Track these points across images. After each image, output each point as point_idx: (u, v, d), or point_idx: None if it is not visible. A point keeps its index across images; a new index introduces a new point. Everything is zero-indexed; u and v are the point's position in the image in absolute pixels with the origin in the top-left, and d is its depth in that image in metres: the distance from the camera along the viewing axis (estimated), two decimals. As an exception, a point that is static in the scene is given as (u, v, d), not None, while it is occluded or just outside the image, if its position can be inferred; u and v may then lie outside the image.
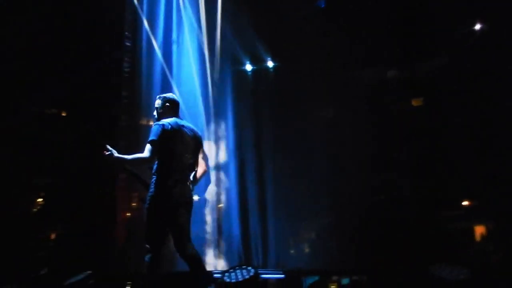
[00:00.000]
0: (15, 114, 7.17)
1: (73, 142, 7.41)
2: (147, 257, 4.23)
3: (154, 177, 4.29)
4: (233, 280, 4.81)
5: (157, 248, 4.24)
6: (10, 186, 7.13)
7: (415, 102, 8.22)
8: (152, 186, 4.26)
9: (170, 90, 7.67)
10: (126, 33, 7.73)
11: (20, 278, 5.75)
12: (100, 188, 7.38)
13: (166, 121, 4.42)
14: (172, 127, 4.35)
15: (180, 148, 4.34)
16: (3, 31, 6.83)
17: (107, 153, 4.08)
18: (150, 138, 4.24)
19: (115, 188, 7.44)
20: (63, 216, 7.53)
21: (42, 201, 7.92)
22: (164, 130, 4.30)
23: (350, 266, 6.49)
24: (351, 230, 7.28)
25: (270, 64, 8.64)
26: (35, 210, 7.87)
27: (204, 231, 7.77)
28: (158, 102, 4.62)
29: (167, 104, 4.58)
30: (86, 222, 7.18)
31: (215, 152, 8.18)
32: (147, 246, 4.24)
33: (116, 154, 4.12)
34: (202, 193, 7.96)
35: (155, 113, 4.60)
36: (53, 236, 7.78)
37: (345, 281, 5.69)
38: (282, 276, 5.73)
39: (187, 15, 8.05)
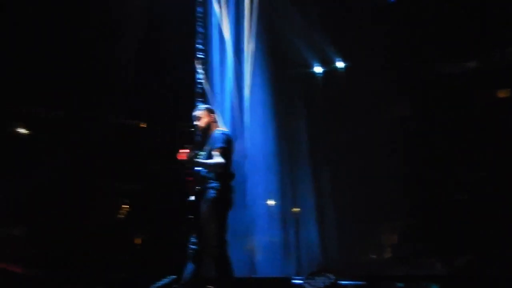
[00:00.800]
0: (101, 124, 7.64)
1: (154, 150, 7.76)
2: (218, 258, 4.31)
3: (216, 183, 4.41)
4: (313, 286, 4.78)
5: (225, 248, 4.34)
6: (97, 193, 7.57)
7: (501, 94, 7.69)
8: (214, 191, 4.37)
9: (241, 98, 7.81)
10: (199, 45, 7.97)
11: (108, 281, 6.05)
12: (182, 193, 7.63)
13: (225, 130, 4.67)
14: (231, 136, 4.60)
15: (232, 156, 4.57)
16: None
17: (190, 155, 4.29)
18: (221, 145, 4.41)
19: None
20: (148, 221, 7.88)
21: (127, 207, 8.33)
22: (229, 138, 4.53)
23: (434, 271, 6.21)
24: (432, 233, 6.96)
25: (340, 64, 8.50)
26: (121, 216, 8.30)
27: (280, 236, 7.79)
28: (210, 112, 4.77)
29: (215, 114, 4.82)
30: (169, 226, 7.44)
31: (288, 155, 8.17)
32: (216, 248, 4.31)
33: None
34: (277, 197, 8.00)
35: (204, 122, 4.70)
36: (138, 240, 8.15)
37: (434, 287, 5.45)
38: (363, 282, 5.59)
39: (253, 22, 8.11)
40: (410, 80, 7.71)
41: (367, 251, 7.61)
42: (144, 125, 8.44)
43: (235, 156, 4.94)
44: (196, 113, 4.78)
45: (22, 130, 7.59)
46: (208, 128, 4.72)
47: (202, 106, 4.96)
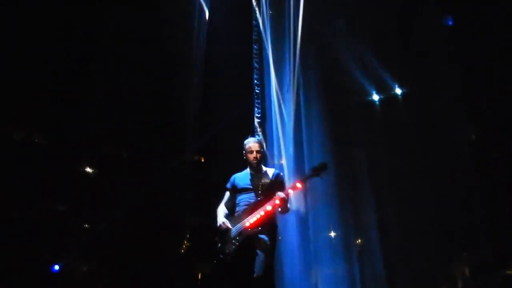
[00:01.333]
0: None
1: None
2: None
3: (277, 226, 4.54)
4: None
5: None
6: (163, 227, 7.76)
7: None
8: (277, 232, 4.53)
9: (298, 132, 7.86)
10: (255, 81, 8.19)
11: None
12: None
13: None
14: None
15: None
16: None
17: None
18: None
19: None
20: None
21: (187, 242, 8.46)
22: None
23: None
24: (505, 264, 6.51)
25: (398, 91, 8.36)
26: (182, 250, 8.43)
27: (343, 268, 7.59)
28: (263, 146, 4.80)
29: None
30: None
31: (348, 184, 8.03)
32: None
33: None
34: (339, 229, 7.85)
35: (262, 155, 4.71)
36: (199, 275, 8.23)
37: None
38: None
39: (309, 52, 8.20)
40: (475, 103, 7.40)
41: (437, 284, 7.19)
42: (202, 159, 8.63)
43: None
44: (257, 143, 4.71)
45: (93, 170, 8.00)
46: (261, 163, 4.72)
47: (258, 137, 4.94)
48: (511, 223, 6.71)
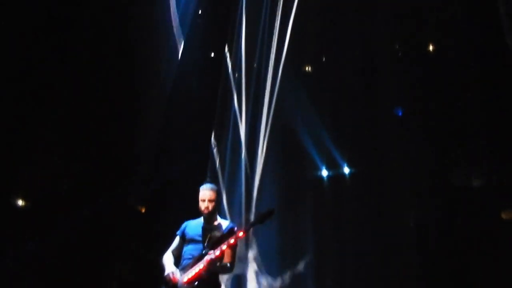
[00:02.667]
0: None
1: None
2: None
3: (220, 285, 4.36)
4: None
5: None
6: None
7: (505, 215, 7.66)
8: None
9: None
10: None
11: None
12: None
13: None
14: None
15: None
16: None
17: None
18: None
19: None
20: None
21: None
22: None
23: None
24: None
25: (346, 170, 8.62)
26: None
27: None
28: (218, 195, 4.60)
29: None
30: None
31: (292, 255, 7.89)
32: None
33: None
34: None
35: (214, 206, 4.47)
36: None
37: None
38: None
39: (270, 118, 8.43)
40: (418, 191, 7.73)
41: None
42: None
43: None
44: (210, 190, 4.44)
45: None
46: (215, 213, 4.53)
47: (213, 185, 4.57)
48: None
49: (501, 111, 7.17)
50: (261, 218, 4.25)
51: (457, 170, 7.53)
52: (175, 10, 8.55)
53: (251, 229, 4.56)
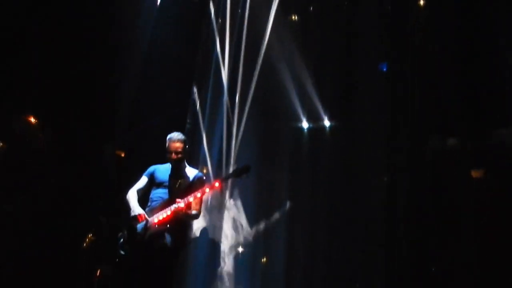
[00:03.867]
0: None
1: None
2: None
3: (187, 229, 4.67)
4: None
5: None
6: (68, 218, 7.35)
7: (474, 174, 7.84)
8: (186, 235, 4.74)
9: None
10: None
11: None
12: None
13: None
14: None
15: None
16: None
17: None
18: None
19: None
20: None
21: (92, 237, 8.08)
22: None
23: None
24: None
25: (326, 123, 8.66)
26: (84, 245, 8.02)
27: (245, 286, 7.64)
28: (187, 144, 4.63)
29: None
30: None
31: (267, 207, 8.14)
32: None
33: None
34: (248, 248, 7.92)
35: (183, 155, 4.59)
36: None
37: None
38: None
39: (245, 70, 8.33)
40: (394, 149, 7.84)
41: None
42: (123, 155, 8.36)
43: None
44: (178, 142, 4.56)
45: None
46: (183, 161, 4.59)
47: (181, 135, 4.68)
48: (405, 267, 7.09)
49: (478, 72, 7.15)
50: (238, 172, 4.40)
51: (434, 133, 7.60)
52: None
53: (228, 181, 4.65)
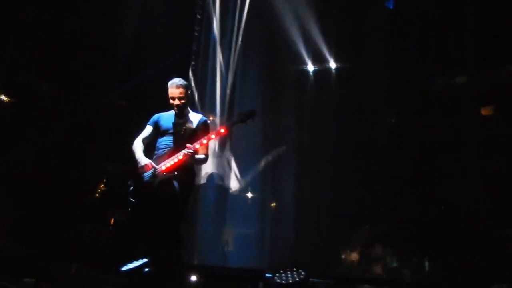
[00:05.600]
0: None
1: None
2: None
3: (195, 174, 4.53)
4: (284, 281, 4.80)
5: None
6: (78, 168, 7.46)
7: (484, 111, 7.75)
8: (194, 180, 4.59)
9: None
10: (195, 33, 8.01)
11: (81, 259, 5.96)
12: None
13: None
14: None
15: None
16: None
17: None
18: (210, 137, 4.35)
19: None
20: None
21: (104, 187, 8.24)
22: None
23: (406, 279, 6.30)
24: (407, 242, 7.03)
25: (332, 65, 8.52)
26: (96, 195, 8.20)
27: (256, 229, 7.82)
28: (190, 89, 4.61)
29: None
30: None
31: (273, 151, 8.19)
32: None
33: None
34: (256, 191, 8.05)
35: (186, 100, 4.49)
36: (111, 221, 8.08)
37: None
38: (332, 281, 5.66)
39: (250, 12, 8.11)
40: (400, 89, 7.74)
41: (339, 251, 7.65)
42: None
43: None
44: (180, 88, 4.38)
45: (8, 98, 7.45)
46: (186, 107, 4.51)
47: (183, 80, 4.47)
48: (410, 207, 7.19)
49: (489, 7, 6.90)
50: (243, 117, 4.35)
51: (440, 72, 7.45)
52: None
53: (233, 126, 4.62)
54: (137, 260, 4.53)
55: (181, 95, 4.43)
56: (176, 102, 4.43)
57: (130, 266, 4.53)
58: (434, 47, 7.34)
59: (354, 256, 7.48)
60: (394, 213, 7.32)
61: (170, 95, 4.45)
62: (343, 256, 7.61)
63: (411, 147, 7.34)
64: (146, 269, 4.39)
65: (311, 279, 5.05)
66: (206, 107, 8.08)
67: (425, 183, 7.17)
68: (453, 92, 7.41)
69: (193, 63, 8.28)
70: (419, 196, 7.19)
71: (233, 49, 8.22)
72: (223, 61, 8.25)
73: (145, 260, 4.48)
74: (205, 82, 8.25)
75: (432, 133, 7.21)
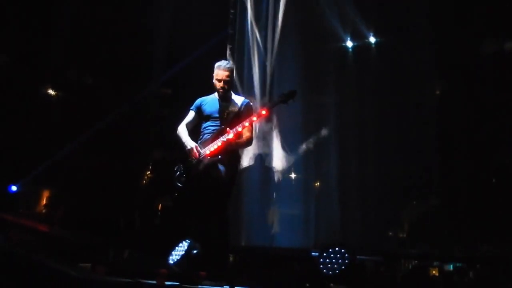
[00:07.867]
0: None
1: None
2: None
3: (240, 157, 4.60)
4: (328, 263, 4.74)
5: None
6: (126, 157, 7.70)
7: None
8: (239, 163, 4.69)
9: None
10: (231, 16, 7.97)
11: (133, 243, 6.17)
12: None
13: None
14: None
15: None
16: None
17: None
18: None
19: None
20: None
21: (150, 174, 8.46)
22: None
23: (454, 253, 6.13)
24: (459, 215, 6.82)
25: (372, 39, 8.29)
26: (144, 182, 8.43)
27: (301, 209, 7.82)
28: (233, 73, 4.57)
29: None
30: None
31: (315, 131, 8.12)
32: None
33: None
34: (300, 171, 8.02)
35: (231, 83, 4.50)
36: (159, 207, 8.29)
37: (448, 267, 5.39)
38: (379, 258, 5.59)
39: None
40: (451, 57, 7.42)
41: (386, 228, 7.53)
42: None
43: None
44: (226, 70, 4.38)
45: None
46: (230, 90, 4.47)
47: (230, 63, 4.52)
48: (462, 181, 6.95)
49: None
50: (284, 98, 4.34)
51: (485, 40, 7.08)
52: None
53: (274, 108, 4.61)
54: (177, 245, 4.53)
55: (227, 78, 4.44)
56: (222, 84, 4.44)
57: (176, 254, 4.49)
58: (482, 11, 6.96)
59: (402, 232, 7.35)
60: (444, 187, 7.10)
61: (216, 77, 4.46)
62: (390, 233, 7.49)
63: (459, 119, 7.04)
64: (194, 251, 4.45)
65: (358, 257, 5.01)
66: (245, 90, 8.07)
67: (477, 154, 6.88)
68: (504, 58, 7.02)
69: (230, 46, 8.28)
70: (470, 168, 6.93)
71: (269, 30, 8.12)
72: (261, 43, 8.19)
73: (187, 241, 4.48)
74: (242, 64, 8.22)
75: (483, 100, 6.86)
